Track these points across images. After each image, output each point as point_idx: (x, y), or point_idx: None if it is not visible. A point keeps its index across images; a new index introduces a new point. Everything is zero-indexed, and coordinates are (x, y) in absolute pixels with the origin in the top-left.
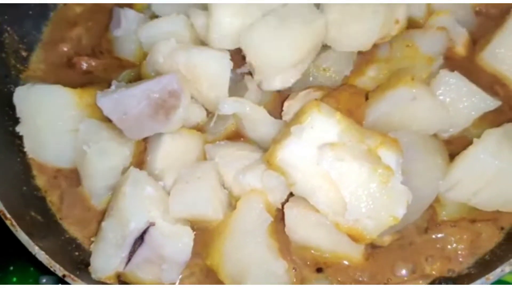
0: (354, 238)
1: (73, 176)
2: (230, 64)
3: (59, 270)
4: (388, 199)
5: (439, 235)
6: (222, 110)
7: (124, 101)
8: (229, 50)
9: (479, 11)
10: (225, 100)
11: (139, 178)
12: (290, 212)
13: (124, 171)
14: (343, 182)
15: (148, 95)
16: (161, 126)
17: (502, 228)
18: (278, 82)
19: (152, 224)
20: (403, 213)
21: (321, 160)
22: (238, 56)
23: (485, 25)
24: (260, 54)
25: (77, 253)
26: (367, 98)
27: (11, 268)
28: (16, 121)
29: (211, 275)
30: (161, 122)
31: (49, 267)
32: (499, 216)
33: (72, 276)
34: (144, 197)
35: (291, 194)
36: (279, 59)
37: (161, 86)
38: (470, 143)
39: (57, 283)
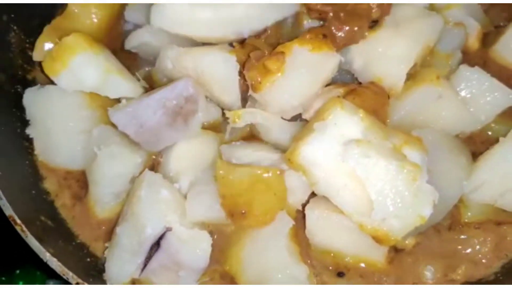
0: (379, 239)
1: (85, 179)
2: (236, 66)
3: (72, 278)
4: (415, 198)
5: (462, 237)
6: (234, 124)
7: (139, 113)
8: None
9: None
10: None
11: (154, 181)
12: (311, 214)
13: (133, 180)
14: (370, 179)
15: (164, 104)
16: (180, 134)
17: None
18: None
19: (169, 229)
20: (430, 213)
21: (347, 157)
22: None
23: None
24: (264, 94)
25: (89, 259)
26: (389, 97)
27: (18, 271)
28: (24, 123)
29: (232, 282)
30: (180, 129)
31: (61, 274)
32: None
33: (86, 284)
34: (160, 201)
35: (311, 195)
36: (283, 103)
37: (176, 93)
38: (491, 140)
39: None
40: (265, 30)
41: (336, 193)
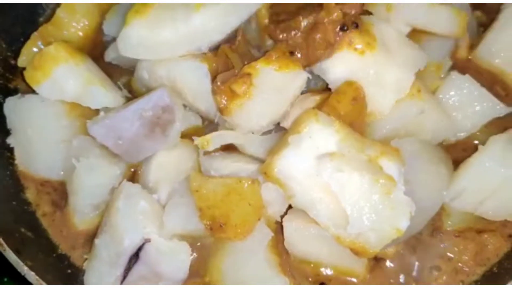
0: (357, 252)
1: (65, 188)
2: (207, 74)
3: None
4: (391, 210)
5: (442, 245)
6: (203, 149)
7: (117, 125)
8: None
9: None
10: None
11: (132, 192)
12: (289, 226)
13: (113, 191)
14: (344, 193)
15: (141, 115)
16: (159, 144)
17: (510, 236)
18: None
19: (147, 241)
20: (407, 225)
21: (321, 171)
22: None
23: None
24: (232, 117)
25: (69, 271)
26: None
27: (5, 279)
28: (5, 132)
29: None
30: (159, 139)
31: None
32: (507, 224)
33: None
34: (138, 212)
35: (289, 206)
36: (253, 124)
37: (152, 103)
38: (474, 147)
39: None
40: (235, 37)
41: (312, 206)
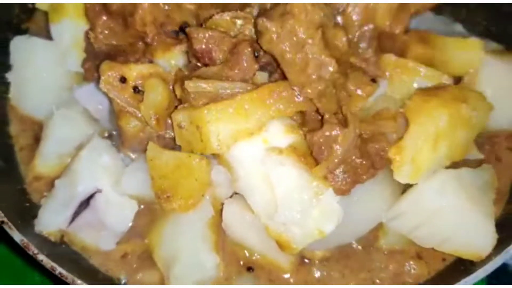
0: (282, 246)
1: None
2: None
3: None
4: (319, 212)
5: (367, 257)
6: None
7: (100, 91)
8: None
9: None
10: None
11: (98, 145)
12: (228, 208)
13: (80, 147)
14: (279, 185)
15: None
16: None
17: (444, 260)
18: None
19: (99, 191)
20: (331, 230)
21: (265, 161)
22: None
23: None
24: None
25: (27, 204)
26: None
27: None
28: (6, 67)
29: (145, 257)
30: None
31: None
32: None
33: (10, 224)
34: (98, 164)
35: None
36: None
37: None
38: None
39: None
40: None
41: (251, 194)
